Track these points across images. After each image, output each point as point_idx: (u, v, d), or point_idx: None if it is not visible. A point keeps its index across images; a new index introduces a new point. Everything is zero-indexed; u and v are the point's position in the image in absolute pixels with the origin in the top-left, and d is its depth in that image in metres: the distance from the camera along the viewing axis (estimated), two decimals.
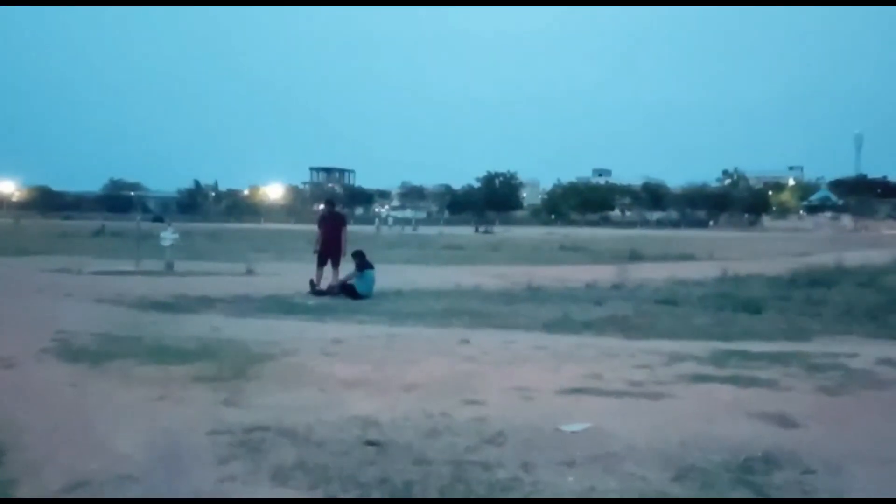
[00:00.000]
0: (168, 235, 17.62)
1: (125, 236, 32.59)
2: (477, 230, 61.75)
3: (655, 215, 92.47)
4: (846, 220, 78.52)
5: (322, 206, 15.32)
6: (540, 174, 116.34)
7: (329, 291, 12.90)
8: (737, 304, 11.98)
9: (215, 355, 6.99)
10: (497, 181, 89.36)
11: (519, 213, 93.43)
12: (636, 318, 10.48)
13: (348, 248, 14.13)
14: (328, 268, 13.81)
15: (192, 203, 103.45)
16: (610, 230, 68.59)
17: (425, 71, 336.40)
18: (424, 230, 61.45)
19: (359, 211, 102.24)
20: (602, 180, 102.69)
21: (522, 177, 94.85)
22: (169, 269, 17.09)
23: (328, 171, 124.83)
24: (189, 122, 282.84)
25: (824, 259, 24.71)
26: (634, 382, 6.12)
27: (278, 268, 19.68)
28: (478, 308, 11.59)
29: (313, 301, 12.30)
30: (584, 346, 7.99)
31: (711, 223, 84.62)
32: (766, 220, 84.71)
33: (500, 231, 60.82)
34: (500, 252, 32.14)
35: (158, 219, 18.79)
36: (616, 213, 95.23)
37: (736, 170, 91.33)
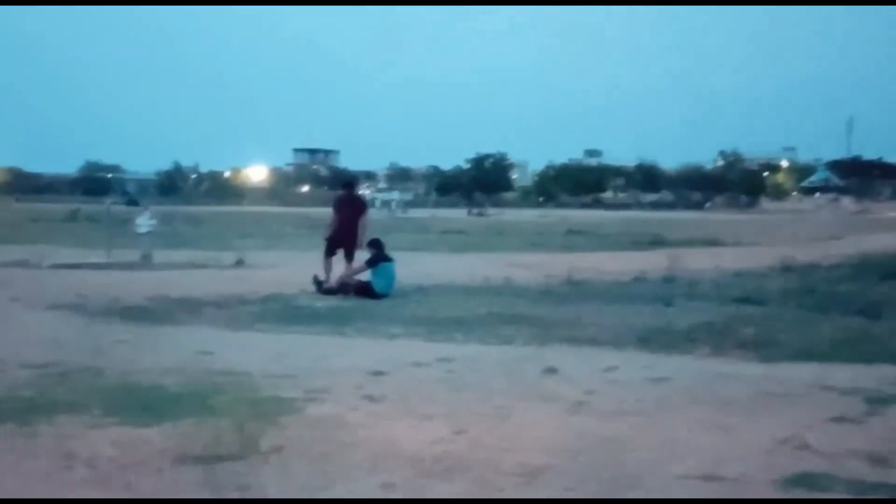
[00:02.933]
0: (144, 222, 15.21)
1: (101, 221, 30.02)
2: (469, 213, 59.41)
3: (649, 197, 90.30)
4: (846, 202, 76.75)
5: (341, 189, 13.02)
6: (528, 155, 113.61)
7: (340, 290, 10.61)
8: (845, 307, 9.73)
9: (208, 404, 4.73)
10: (487, 162, 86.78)
11: (508, 196, 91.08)
12: (739, 326, 8.27)
13: (366, 238, 11.88)
14: (336, 260, 11.54)
15: (173, 185, 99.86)
16: (606, 212, 66.42)
17: (411, 50, 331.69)
18: (414, 213, 58.93)
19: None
20: (594, 161, 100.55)
21: (511, 158, 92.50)
22: (146, 260, 14.73)
23: (312, 151, 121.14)
24: (169, 102, 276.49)
25: (869, 245, 22.90)
26: (875, 458, 3.88)
27: (271, 258, 17.35)
28: (529, 312, 9.36)
29: (322, 303, 10.02)
30: (720, 377, 5.79)
31: (708, 205, 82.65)
32: (764, 201, 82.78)
33: (494, 214, 58.48)
34: (506, 237, 29.93)
35: (133, 202, 16.37)
36: (608, 194, 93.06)
37: (734, 150, 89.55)
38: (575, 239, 28.95)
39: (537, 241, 27.49)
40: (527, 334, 7.74)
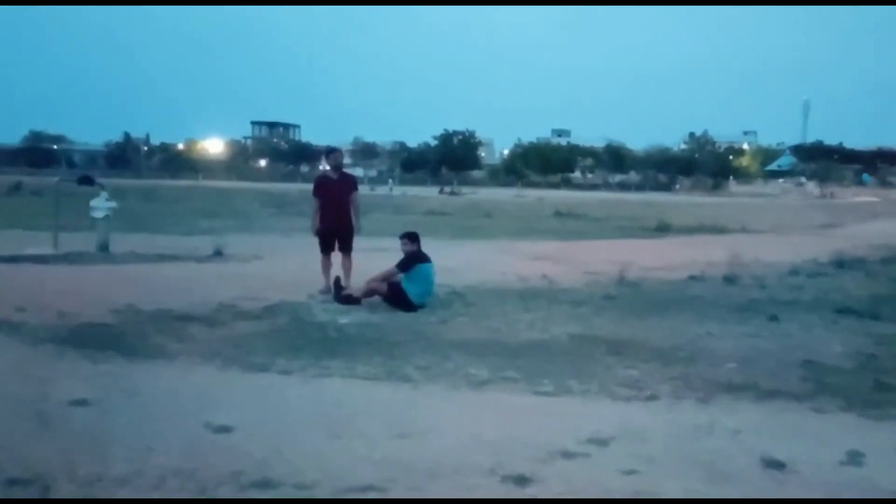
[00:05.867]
0: (101, 205, 12.50)
1: (46, 195, 26.86)
2: (442, 191, 56.88)
3: (617, 178, 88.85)
4: (811, 187, 76.48)
5: (324, 166, 10.26)
6: (494, 134, 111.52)
7: (366, 297, 8.25)
8: None
9: None
10: (455, 140, 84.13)
11: (475, 174, 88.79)
12: None
13: (361, 223, 9.57)
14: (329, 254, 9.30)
15: (122, 157, 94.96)
16: (578, 193, 64.65)
17: (376, 27, 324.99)
18: (381, 191, 56.25)
19: (304, 169, 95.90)
20: (562, 141, 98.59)
21: (479, 136, 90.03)
22: (103, 250, 12.09)
23: (271, 125, 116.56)
24: (118, 70, 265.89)
25: (885, 234, 21.50)
26: None
27: (251, 245, 14.76)
28: (618, 333, 7.22)
29: (346, 317, 7.65)
30: None
31: (678, 187, 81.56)
32: (732, 184, 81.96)
33: (468, 193, 56.07)
34: (496, 220, 27.71)
35: (87, 180, 13.38)
36: (577, 174, 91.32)
37: (705, 132, 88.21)
38: (571, 223, 26.87)
39: (533, 225, 25.32)
40: (658, 377, 5.54)
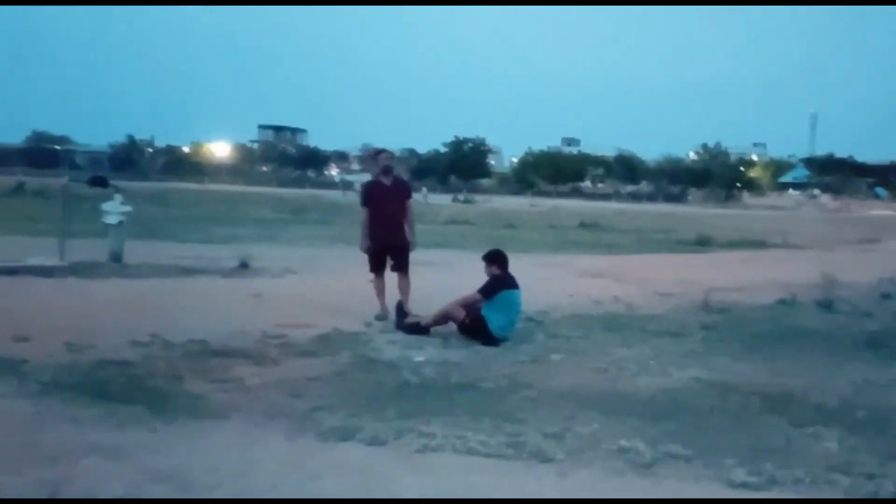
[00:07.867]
0: (115, 209, 11.10)
1: (49, 197, 25.53)
2: (455, 199, 55.55)
3: (628, 188, 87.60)
4: (825, 200, 75.24)
5: (377, 173, 8.65)
6: (503, 141, 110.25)
7: (437, 325, 6.87)
8: None
9: None
10: (465, 147, 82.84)
11: (485, 182, 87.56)
12: None
13: (416, 238, 8.26)
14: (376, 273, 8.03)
15: (127, 160, 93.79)
16: (592, 203, 63.28)
17: (386, 31, 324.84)
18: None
19: (312, 174, 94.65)
20: (573, 150, 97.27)
21: (489, 144, 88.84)
22: (116, 260, 10.73)
23: (278, 129, 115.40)
24: (122, 72, 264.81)
25: None
26: None
27: (277, 257, 13.37)
28: (754, 377, 5.92)
29: (422, 356, 6.24)
30: None
31: (690, 198, 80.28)
32: (746, 196, 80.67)
33: (482, 201, 54.76)
34: (522, 230, 26.29)
35: (99, 181, 11.87)
36: (587, 184, 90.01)
37: (718, 143, 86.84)
38: (603, 235, 25.47)
39: (564, 237, 23.98)
40: (868, 454, 4.16)
